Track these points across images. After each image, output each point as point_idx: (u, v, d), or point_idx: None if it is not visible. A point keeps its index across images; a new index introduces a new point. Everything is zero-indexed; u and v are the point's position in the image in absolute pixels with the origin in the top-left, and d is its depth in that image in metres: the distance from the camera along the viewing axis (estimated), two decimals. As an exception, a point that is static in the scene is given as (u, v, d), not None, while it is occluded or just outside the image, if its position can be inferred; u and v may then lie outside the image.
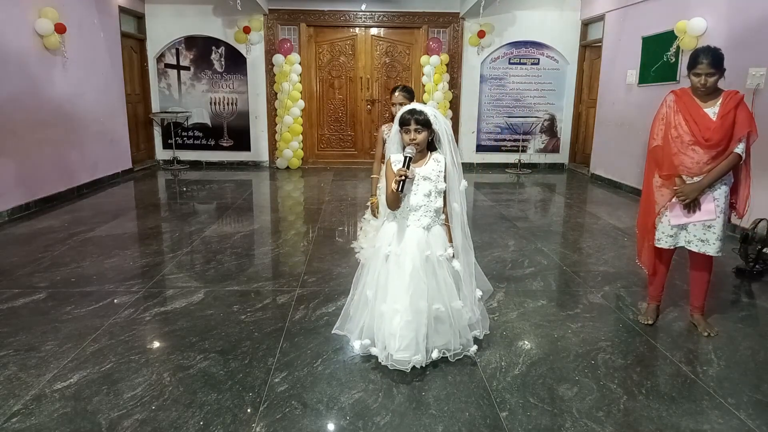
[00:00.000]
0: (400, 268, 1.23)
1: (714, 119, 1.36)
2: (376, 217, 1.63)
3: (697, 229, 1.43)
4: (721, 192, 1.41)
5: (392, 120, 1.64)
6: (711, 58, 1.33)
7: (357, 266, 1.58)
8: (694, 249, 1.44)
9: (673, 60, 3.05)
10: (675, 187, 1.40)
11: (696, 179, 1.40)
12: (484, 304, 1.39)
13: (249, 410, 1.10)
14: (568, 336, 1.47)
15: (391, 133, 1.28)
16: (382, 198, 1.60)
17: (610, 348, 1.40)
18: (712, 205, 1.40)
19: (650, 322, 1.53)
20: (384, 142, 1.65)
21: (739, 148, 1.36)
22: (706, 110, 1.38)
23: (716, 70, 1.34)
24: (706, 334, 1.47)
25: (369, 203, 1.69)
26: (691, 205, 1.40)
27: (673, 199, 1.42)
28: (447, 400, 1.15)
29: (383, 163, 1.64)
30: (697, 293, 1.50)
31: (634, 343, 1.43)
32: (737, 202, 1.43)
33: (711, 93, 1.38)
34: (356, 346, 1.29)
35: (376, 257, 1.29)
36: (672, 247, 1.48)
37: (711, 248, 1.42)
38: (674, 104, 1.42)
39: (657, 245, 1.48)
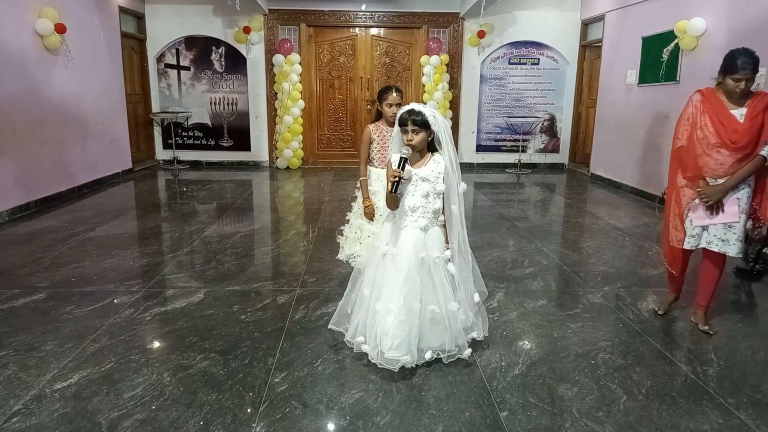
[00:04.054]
0: (395, 268, 1.23)
1: (741, 121, 1.35)
2: (371, 221, 1.59)
3: (718, 229, 1.42)
4: (744, 193, 1.40)
5: (378, 120, 1.64)
6: (753, 64, 1.31)
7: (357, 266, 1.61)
8: (715, 249, 1.43)
9: (665, 58, 3.02)
10: (698, 189, 1.40)
11: (720, 181, 1.39)
12: (483, 305, 1.39)
13: (249, 410, 1.10)
14: (568, 336, 1.47)
15: (393, 133, 1.28)
16: (374, 200, 1.58)
17: (610, 348, 1.40)
18: (735, 207, 1.39)
19: (661, 311, 1.55)
20: (371, 143, 1.61)
21: (765, 151, 1.34)
22: (732, 112, 1.36)
23: (754, 75, 1.33)
24: (705, 328, 1.47)
25: (361, 208, 1.62)
26: (714, 206, 1.39)
27: (696, 200, 1.41)
28: (447, 399, 1.15)
29: (370, 164, 1.63)
30: (706, 292, 1.50)
31: (634, 343, 1.43)
32: (760, 206, 1.41)
33: (742, 96, 1.37)
34: (352, 343, 1.29)
35: (374, 256, 1.29)
36: (693, 248, 1.47)
37: (732, 248, 1.41)
38: (700, 104, 1.40)
39: (680, 246, 1.46)
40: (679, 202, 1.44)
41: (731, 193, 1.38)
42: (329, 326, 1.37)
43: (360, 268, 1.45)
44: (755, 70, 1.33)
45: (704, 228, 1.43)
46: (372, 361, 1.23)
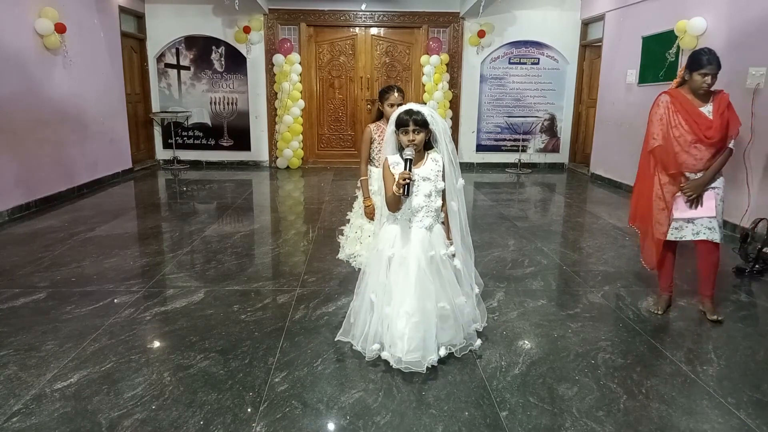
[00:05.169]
0: (405, 270, 1.23)
1: (710, 117, 1.44)
2: (372, 221, 1.59)
3: (704, 220, 1.51)
4: (720, 182, 1.50)
5: (379, 119, 1.63)
6: (717, 60, 1.42)
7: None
8: (704, 237, 1.50)
9: (673, 59, 3.06)
10: (682, 185, 1.48)
11: (699, 175, 1.48)
12: (483, 302, 1.40)
13: (249, 410, 1.10)
14: (568, 335, 1.47)
15: (386, 134, 1.28)
16: (375, 199, 1.58)
17: (610, 347, 1.40)
18: (713, 202, 1.48)
19: (660, 312, 1.59)
20: (372, 142, 1.61)
21: (732, 143, 1.46)
22: (701, 109, 1.45)
23: (718, 71, 1.43)
24: (714, 317, 1.53)
25: (361, 208, 1.62)
26: (696, 200, 1.48)
27: (677, 194, 1.50)
28: (447, 399, 1.15)
29: (370, 164, 1.63)
30: (707, 282, 1.56)
31: (634, 342, 1.44)
32: None
33: (707, 93, 1.46)
34: (364, 352, 1.27)
35: (379, 260, 1.28)
36: (678, 240, 1.53)
37: (717, 235, 1.50)
38: (671, 105, 1.47)
39: (665, 238, 1.53)
40: (663, 198, 1.50)
41: (709, 185, 1.47)
42: (337, 338, 1.36)
43: (361, 268, 1.45)
44: (719, 67, 1.42)
45: (688, 220, 1.50)
46: (394, 366, 1.22)
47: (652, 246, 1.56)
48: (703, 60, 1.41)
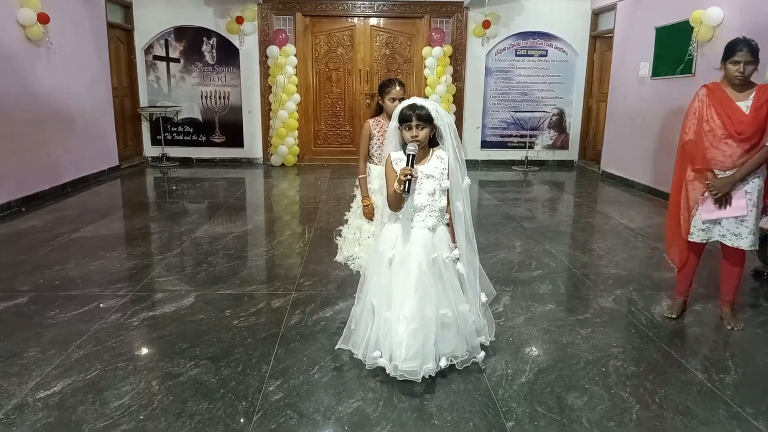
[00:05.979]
0: (405, 272, 1.19)
1: (746, 112, 1.39)
2: (371, 221, 1.54)
3: (730, 223, 1.45)
4: (754, 185, 1.42)
5: (379, 114, 1.58)
6: (750, 47, 1.37)
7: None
8: (728, 243, 1.46)
9: (692, 55, 2.95)
10: (707, 182, 1.43)
11: (728, 173, 1.41)
12: (489, 308, 1.35)
13: (242, 420, 1.06)
14: (578, 342, 1.43)
15: (389, 130, 1.23)
16: (374, 199, 1.53)
17: (622, 354, 1.36)
18: (743, 201, 1.42)
19: (674, 316, 1.56)
20: (371, 138, 1.57)
21: None
22: (738, 104, 1.41)
23: (754, 59, 1.37)
24: (729, 327, 1.49)
25: (360, 208, 1.57)
26: (723, 199, 1.41)
27: (705, 193, 1.44)
28: (450, 409, 1.11)
29: (369, 161, 1.57)
30: (728, 288, 1.52)
31: (647, 349, 1.40)
32: (766, 195, 1.46)
33: (745, 85, 1.41)
34: (365, 359, 1.23)
35: (379, 262, 1.23)
36: (704, 242, 1.49)
37: (744, 242, 1.44)
38: (706, 98, 1.44)
39: (690, 239, 1.50)
40: (688, 195, 1.47)
41: (740, 186, 1.40)
42: (338, 346, 1.31)
43: (360, 271, 1.40)
44: (754, 54, 1.37)
45: (716, 221, 1.46)
46: (391, 375, 1.18)
47: (680, 245, 1.51)
48: (735, 48, 1.36)
